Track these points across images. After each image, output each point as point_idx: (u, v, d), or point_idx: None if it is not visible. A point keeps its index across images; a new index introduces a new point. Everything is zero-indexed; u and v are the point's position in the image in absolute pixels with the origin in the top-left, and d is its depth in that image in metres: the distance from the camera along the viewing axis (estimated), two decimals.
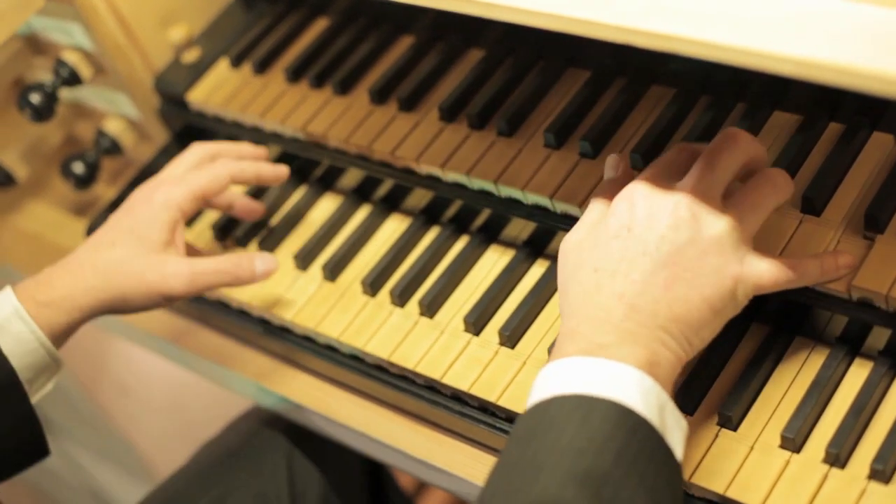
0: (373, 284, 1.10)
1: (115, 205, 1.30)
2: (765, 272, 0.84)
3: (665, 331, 0.82)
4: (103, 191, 1.40)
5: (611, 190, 0.90)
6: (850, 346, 0.91)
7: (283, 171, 1.15)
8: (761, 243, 0.91)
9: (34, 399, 1.05)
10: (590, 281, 0.85)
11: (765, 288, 0.85)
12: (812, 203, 0.93)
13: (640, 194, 0.86)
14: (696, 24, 0.78)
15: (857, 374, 0.90)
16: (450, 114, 1.12)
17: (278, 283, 1.15)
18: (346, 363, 1.09)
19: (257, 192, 1.24)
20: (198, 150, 1.14)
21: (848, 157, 0.95)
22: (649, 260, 0.83)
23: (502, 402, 0.98)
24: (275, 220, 1.21)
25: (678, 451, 0.80)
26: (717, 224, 0.84)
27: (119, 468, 1.96)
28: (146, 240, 1.06)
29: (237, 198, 1.16)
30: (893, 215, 0.91)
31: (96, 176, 1.34)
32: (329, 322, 1.10)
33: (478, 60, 1.16)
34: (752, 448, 0.89)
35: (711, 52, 0.77)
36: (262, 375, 1.17)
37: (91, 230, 1.29)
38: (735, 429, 0.90)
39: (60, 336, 1.05)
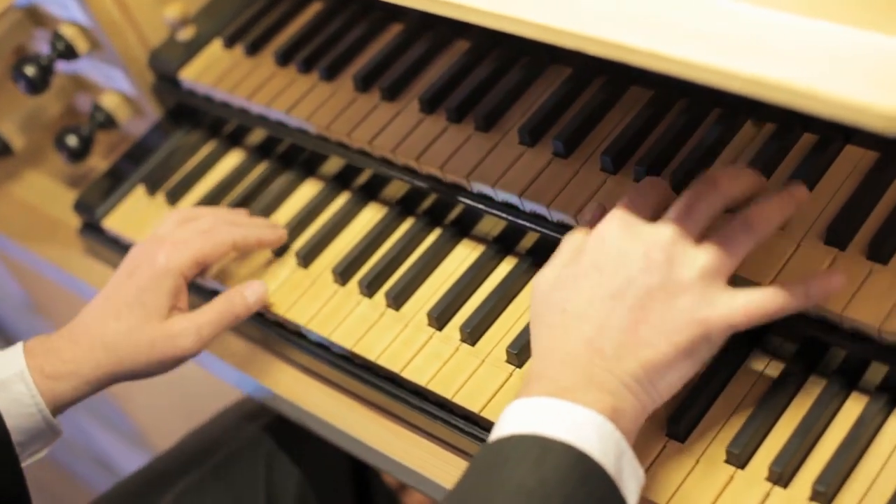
0: (343, 273, 1.10)
1: (106, 178, 1.31)
2: (738, 310, 0.82)
3: (632, 376, 0.81)
4: (97, 163, 1.40)
5: (581, 229, 0.89)
6: (805, 363, 0.90)
7: (283, 235, 1.14)
8: None
9: (25, 463, 1.04)
10: (558, 323, 0.84)
11: (741, 325, 0.83)
12: None
13: (612, 234, 0.85)
14: (646, 33, 0.77)
15: (809, 393, 0.89)
16: (430, 105, 1.12)
17: (253, 267, 1.15)
18: (313, 351, 1.09)
19: (242, 172, 1.24)
20: (208, 217, 1.12)
21: (818, 169, 0.94)
22: (617, 303, 0.82)
23: (458, 400, 0.98)
24: (256, 204, 1.20)
25: (631, 500, 0.79)
26: (690, 269, 0.82)
27: (119, 437, 1.98)
28: (151, 308, 1.05)
29: (266, 233, 1.13)
30: (857, 232, 0.90)
31: (90, 149, 1.34)
32: (298, 309, 1.10)
33: (463, 52, 1.15)
34: (697, 461, 0.88)
35: (659, 64, 0.76)
36: (240, 361, 1.17)
37: (79, 205, 1.30)
38: (683, 440, 0.89)
39: (62, 406, 1.04)
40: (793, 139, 0.97)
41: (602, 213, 0.90)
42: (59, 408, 1.04)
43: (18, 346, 1.04)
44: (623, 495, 0.78)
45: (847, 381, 0.88)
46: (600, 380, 0.80)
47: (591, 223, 0.89)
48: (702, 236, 0.84)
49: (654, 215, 0.86)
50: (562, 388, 0.80)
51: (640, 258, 0.82)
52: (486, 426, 0.95)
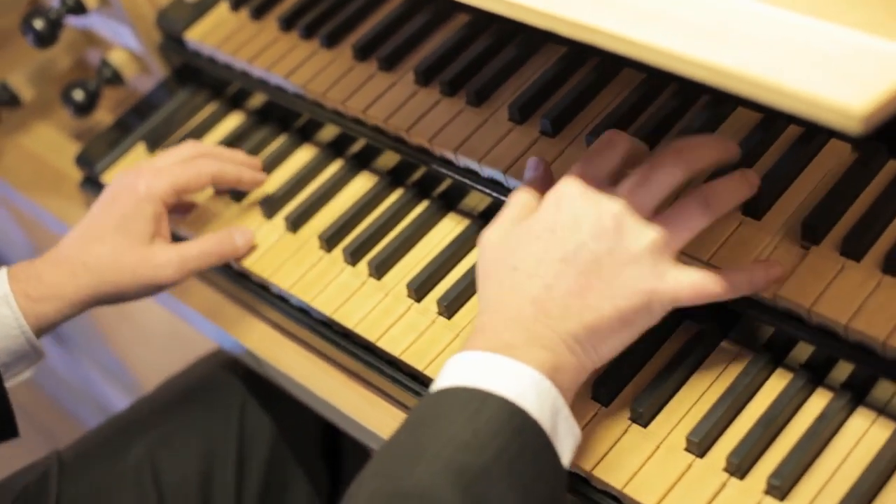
0: (329, 240, 1.10)
1: (108, 133, 1.32)
2: (684, 288, 0.83)
3: (573, 337, 0.82)
4: (104, 118, 1.41)
5: (530, 188, 0.90)
6: (773, 355, 0.90)
7: (262, 177, 1.17)
8: (694, 243, 0.89)
9: (9, 384, 1.07)
10: (507, 279, 0.85)
11: (684, 302, 0.84)
12: (754, 206, 0.91)
13: (568, 196, 0.85)
14: (618, 16, 0.76)
15: (775, 386, 0.89)
16: (424, 78, 1.12)
17: (243, 224, 1.16)
18: (294, 315, 1.10)
19: (241, 135, 1.25)
20: (188, 147, 1.15)
21: (801, 161, 0.93)
22: (567, 266, 0.83)
23: (429, 372, 0.98)
24: None
25: (566, 457, 0.80)
26: (641, 239, 0.83)
27: (119, 386, 2.00)
28: (133, 233, 1.07)
29: (244, 172, 1.16)
30: (832, 227, 0.89)
31: (96, 104, 1.35)
32: (283, 273, 1.11)
33: (462, 25, 1.15)
34: (657, 447, 0.88)
35: (625, 48, 0.75)
36: (222, 318, 1.18)
37: (81, 158, 1.31)
38: (645, 425, 0.89)
39: (47, 328, 1.07)
40: (778, 129, 0.96)
41: (543, 169, 0.92)
42: (42, 329, 1.07)
43: (2, 272, 1.07)
44: (557, 451, 0.79)
45: (813, 376, 0.88)
46: (543, 338, 0.82)
47: (535, 181, 0.91)
48: (658, 207, 0.85)
49: (614, 178, 0.86)
50: (504, 343, 0.82)
51: (593, 224, 0.83)
52: None
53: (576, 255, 0.83)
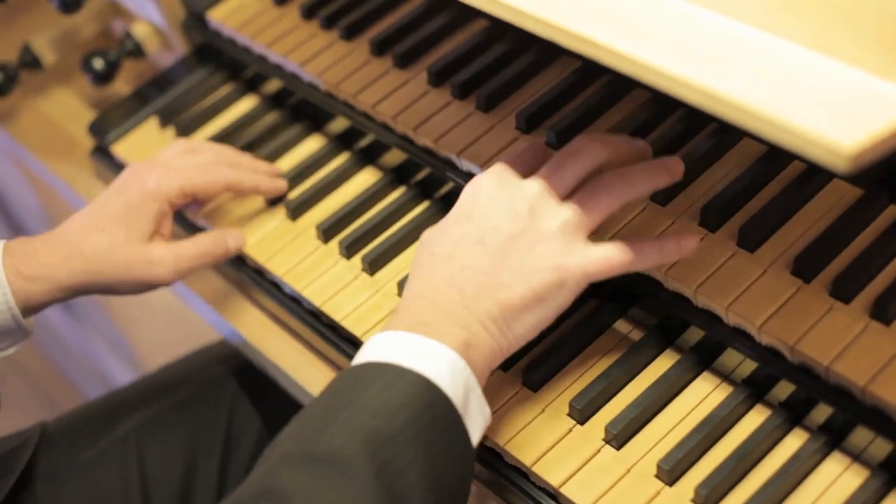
0: (326, 231, 1.10)
1: (123, 104, 1.32)
2: (593, 260, 0.86)
3: (488, 315, 0.85)
4: (122, 89, 1.42)
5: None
6: (753, 390, 0.89)
7: (281, 186, 1.15)
8: (684, 270, 0.89)
9: None
10: (426, 264, 0.89)
11: (595, 275, 0.86)
12: (748, 237, 0.90)
13: (485, 185, 0.89)
14: (621, 34, 0.76)
15: (752, 421, 0.88)
16: (437, 78, 1.11)
17: (243, 213, 1.16)
18: (286, 303, 1.10)
19: (253, 118, 1.25)
20: (210, 151, 1.13)
21: (801, 198, 0.92)
22: (481, 248, 0.86)
23: None
24: (260, 151, 1.21)
25: (475, 436, 0.83)
26: (553, 220, 0.86)
27: (123, 361, 2.01)
28: (134, 229, 1.06)
29: (263, 181, 1.14)
30: (825, 267, 0.88)
31: (115, 75, 1.36)
32: (278, 259, 1.11)
33: (480, 30, 1.14)
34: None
35: (624, 64, 0.75)
36: (218, 301, 1.18)
37: (94, 127, 1.31)
38: (619, 448, 0.89)
39: (34, 308, 1.06)
40: (782, 164, 0.95)
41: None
42: (29, 308, 1.06)
43: None
44: (466, 428, 0.82)
45: (791, 415, 0.87)
46: (458, 317, 0.84)
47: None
48: (568, 193, 0.88)
49: (529, 174, 0.90)
50: (421, 322, 0.84)
51: (506, 208, 0.87)
52: None
53: (490, 237, 0.86)
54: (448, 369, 0.81)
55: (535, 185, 0.87)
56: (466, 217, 0.88)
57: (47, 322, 2.20)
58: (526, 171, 0.90)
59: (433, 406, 0.80)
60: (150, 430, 1.18)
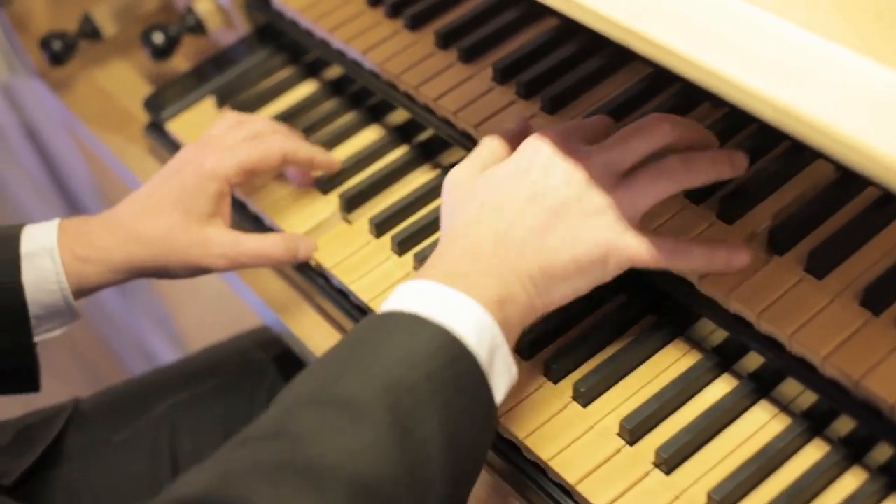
0: (379, 226, 1.08)
1: (181, 81, 1.30)
2: (643, 249, 0.85)
3: (527, 275, 0.84)
4: (181, 65, 1.40)
5: (503, 139, 0.93)
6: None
7: (335, 162, 1.13)
8: (753, 292, 0.86)
9: (39, 338, 1.04)
10: (473, 213, 0.86)
11: (639, 262, 0.85)
12: (817, 265, 0.87)
13: (547, 144, 0.87)
14: (698, 42, 0.73)
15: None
16: (502, 76, 1.08)
17: (296, 199, 1.14)
18: (332, 296, 1.07)
19: (311, 104, 1.23)
20: (260, 122, 1.11)
21: (875, 226, 0.89)
22: (534, 205, 0.85)
23: None
24: (316, 138, 1.18)
25: (499, 394, 0.81)
26: (608, 195, 0.85)
27: (168, 341, 2.00)
28: (192, 210, 1.04)
29: (318, 153, 1.12)
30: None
31: (174, 50, 1.34)
32: (328, 251, 1.08)
33: (549, 28, 1.11)
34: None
35: (698, 75, 0.72)
36: (262, 288, 1.15)
37: (149, 102, 1.29)
38: (669, 472, 0.86)
39: (86, 290, 1.04)
40: (856, 189, 0.91)
41: (524, 128, 0.94)
42: (81, 290, 1.04)
43: (54, 223, 1.04)
44: (490, 385, 0.80)
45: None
46: (498, 272, 0.83)
47: (511, 134, 0.93)
48: (628, 170, 0.86)
49: (593, 143, 0.89)
50: (457, 272, 0.83)
51: (565, 171, 0.85)
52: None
53: (544, 197, 0.85)
54: (475, 326, 0.79)
55: (597, 155, 0.86)
56: (523, 171, 0.86)
57: (97, 296, 2.19)
58: (590, 140, 0.89)
59: (456, 361, 0.78)
60: (185, 414, 1.16)
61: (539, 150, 0.87)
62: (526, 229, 0.84)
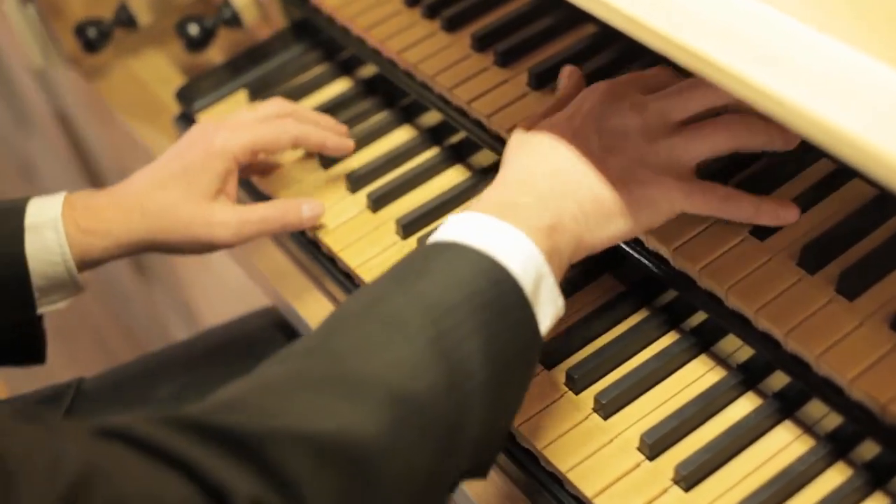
0: (406, 227, 1.07)
1: (214, 73, 1.30)
2: (694, 190, 0.87)
3: (579, 206, 0.84)
4: (215, 57, 1.39)
5: (565, 92, 0.96)
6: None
7: (348, 144, 1.13)
8: (782, 310, 0.85)
9: (42, 309, 1.04)
10: (530, 153, 0.88)
11: (690, 206, 0.87)
12: (847, 285, 0.85)
13: (606, 90, 0.89)
14: (727, 48, 0.72)
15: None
16: (538, 81, 1.07)
17: (324, 197, 1.13)
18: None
19: (344, 102, 1.22)
20: (274, 104, 1.12)
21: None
22: (592, 142, 0.87)
23: None
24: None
25: (544, 324, 0.81)
26: (664, 141, 0.87)
27: (185, 327, 1.99)
28: (198, 186, 1.04)
29: (330, 138, 1.12)
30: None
31: (209, 42, 1.34)
32: (353, 250, 1.07)
33: (587, 35, 1.10)
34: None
35: (737, 87, 0.71)
36: (285, 284, 1.15)
37: (181, 93, 1.29)
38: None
39: (90, 263, 1.04)
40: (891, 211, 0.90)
41: (578, 78, 0.98)
42: (85, 263, 1.04)
43: (60, 195, 1.04)
44: (534, 313, 0.80)
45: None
46: (551, 202, 0.84)
47: (565, 89, 0.97)
48: (688, 119, 0.89)
49: (652, 91, 0.91)
50: (507, 202, 0.83)
51: (622, 115, 0.87)
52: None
53: (600, 136, 0.87)
54: (520, 253, 0.80)
55: (654, 102, 0.88)
56: (582, 113, 0.88)
57: (116, 277, 2.19)
58: (649, 90, 0.90)
59: (499, 284, 0.78)
60: (190, 396, 1.15)
61: (598, 94, 0.89)
62: (581, 164, 0.85)
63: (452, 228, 0.82)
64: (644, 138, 0.87)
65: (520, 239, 0.80)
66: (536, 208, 0.83)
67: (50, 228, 1.01)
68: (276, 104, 1.11)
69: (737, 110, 0.90)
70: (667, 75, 0.93)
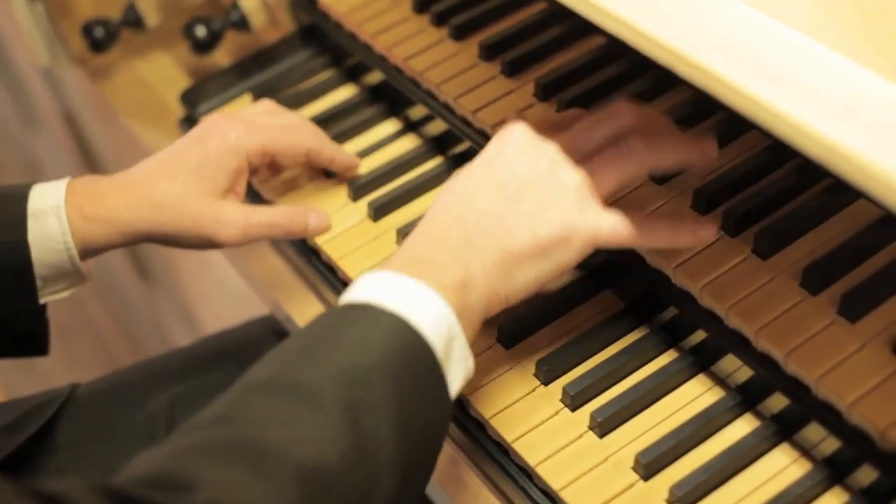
0: (406, 236, 1.06)
1: (219, 77, 1.29)
2: (604, 225, 0.86)
3: (490, 258, 0.85)
4: (222, 60, 1.39)
5: None
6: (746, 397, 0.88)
7: (355, 162, 1.12)
8: (782, 331, 0.84)
9: (45, 299, 1.02)
10: (443, 204, 0.88)
11: (603, 241, 0.87)
12: (850, 307, 0.84)
13: (515, 135, 0.89)
14: (734, 64, 0.71)
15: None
16: (544, 92, 1.06)
17: (326, 204, 1.12)
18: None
19: (349, 109, 1.21)
20: (295, 116, 1.11)
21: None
22: (498, 192, 0.87)
23: (474, 399, 0.93)
24: (351, 143, 1.17)
25: (454, 384, 0.81)
26: (571, 177, 0.86)
27: (187, 332, 1.99)
28: (208, 182, 1.02)
29: (339, 154, 1.11)
30: None
31: (216, 45, 1.33)
32: (352, 259, 1.06)
33: (595, 47, 1.09)
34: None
35: (743, 104, 0.70)
36: (282, 291, 1.14)
37: (186, 95, 1.28)
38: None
39: (92, 251, 1.02)
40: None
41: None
42: (88, 251, 1.02)
43: (64, 181, 1.02)
44: (444, 374, 0.79)
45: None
46: (460, 256, 0.84)
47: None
48: (592, 153, 0.88)
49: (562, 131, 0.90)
50: (419, 258, 0.84)
51: (529, 158, 0.87)
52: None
53: (508, 183, 0.87)
54: (431, 314, 0.80)
55: (561, 142, 0.88)
56: (490, 162, 0.88)
57: (118, 280, 2.18)
58: (559, 129, 0.90)
59: (410, 348, 0.78)
60: (184, 407, 1.14)
61: (506, 141, 0.89)
62: (490, 215, 0.86)
63: (365, 287, 0.82)
64: (552, 181, 0.86)
65: (431, 298, 0.80)
66: (446, 265, 0.83)
67: (52, 215, 0.99)
68: (296, 116, 1.11)
69: (648, 132, 0.89)
70: (578, 114, 0.92)
